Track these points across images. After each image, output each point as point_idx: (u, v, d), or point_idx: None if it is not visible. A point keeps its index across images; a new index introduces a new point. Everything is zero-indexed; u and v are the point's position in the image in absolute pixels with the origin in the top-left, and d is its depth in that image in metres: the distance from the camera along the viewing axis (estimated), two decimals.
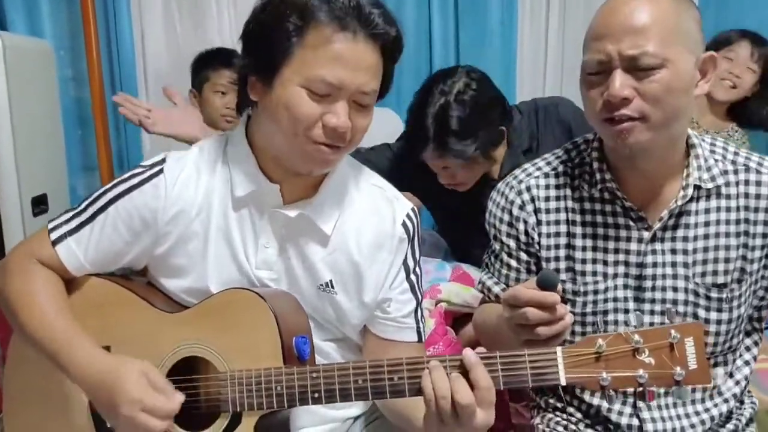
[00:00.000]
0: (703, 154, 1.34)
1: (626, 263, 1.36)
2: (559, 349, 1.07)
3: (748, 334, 1.44)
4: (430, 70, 2.79)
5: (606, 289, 1.37)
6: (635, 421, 1.39)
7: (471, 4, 2.81)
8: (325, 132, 1.20)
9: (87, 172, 2.72)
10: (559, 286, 1.15)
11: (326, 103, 1.19)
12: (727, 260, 1.33)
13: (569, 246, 1.39)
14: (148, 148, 2.79)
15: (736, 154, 1.37)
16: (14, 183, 2.19)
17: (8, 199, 2.18)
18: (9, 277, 1.32)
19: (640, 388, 1.04)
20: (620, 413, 1.40)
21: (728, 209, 1.34)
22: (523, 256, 1.43)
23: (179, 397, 1.18)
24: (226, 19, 2.80)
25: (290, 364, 1.20)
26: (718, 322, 1.35)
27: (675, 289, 1.35)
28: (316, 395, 1.16)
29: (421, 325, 1.40)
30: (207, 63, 2.54)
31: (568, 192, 1.40)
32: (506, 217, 1.44)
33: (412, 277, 1.38)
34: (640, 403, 1.38)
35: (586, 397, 1.43)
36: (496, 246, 1.47)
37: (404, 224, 1.35)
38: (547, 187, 1.42)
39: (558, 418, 1.48)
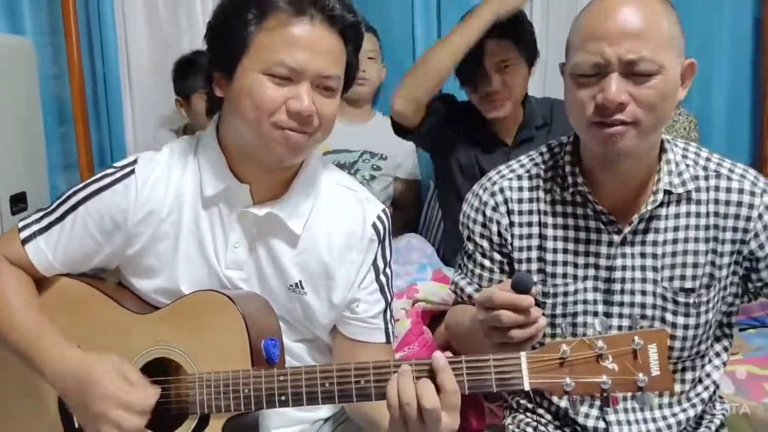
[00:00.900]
0: (675, 159, 1.33)
1: (596, 266, 1.35)
2: (523, 355, 1.06)
3: (717, 339, 1.43)
4: (414, 59, 2.76)
5: (576, 291, 1.37)
6: (602, 424, 1.38)
7: (453, 2, 2.80)
8: (289, 116, 1.20)
9: (67, 170, 2.67)
10: (534, 290, 1.14)
11: (288, 87, 1.19)
12: (695, 265, 1.33)
13: (541, 248, 1.39)
14: (131, 146, 2.76)
15: (708, 159, 1.35)
16: None
17: None
18: None
19: (604, 394, 1.03)
20: (587, 416, 1.39)
21: (698, 215, 1.33)
22: (497, 256, 1.43)
23: (155, 391, 1.17)
24: (211, 12, 2.76)
25: (259, 367, 1.18)
26: (686, 326, 1.34)
27: (644, 293, 1.34)
28: (283, 398, 1.15)
29: (389, 326, 1.39)
30: (190, 70, 2.49)
31: (541, 194, 1.39)
32: (480, 218, 1.43)
33: (382, 277, 1.38)
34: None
35: (555, 399, 1.42)
36: (470, 246, 1.46)
37: (374, 225, 1.35)
38: (521, 189, 1.41)
39: (528, 419, 1.47)
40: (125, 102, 2.70)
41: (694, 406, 1.40)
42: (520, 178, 1.42)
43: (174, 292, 1.29)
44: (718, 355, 1.43)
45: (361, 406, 1.26)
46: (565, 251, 1.37)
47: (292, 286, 1.32)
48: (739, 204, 1.31)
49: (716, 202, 1.32)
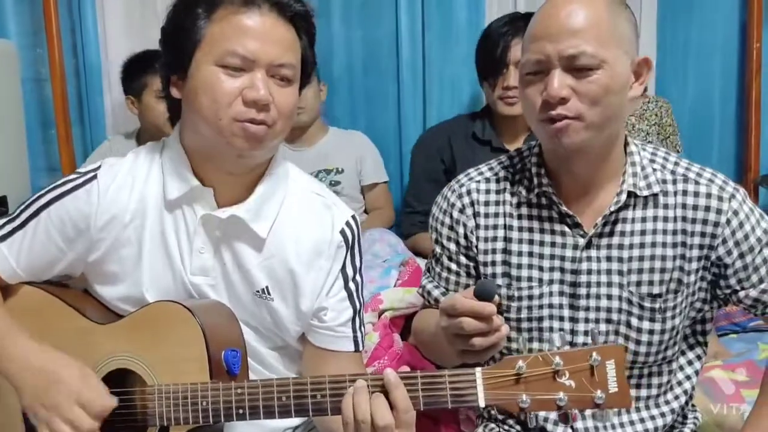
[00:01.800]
0: (641, 162, 1.31)
1: (561, 269, 1.33)
2: (478, 371, 1.03)
3: (691, 347, 1.40)
4: (398, 69, 2.77)
5: (541, 295, 1.34)
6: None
7: (437, 4, 2.78)
8: (246, 106, 1.18)
9: (50, 173, 2.66)
10: (497, 297, 1.12)
11: (243, 78, 1.19)
12: (663, 270, 1.30)
13: (506, 251, 1.36)
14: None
15: (676, 164, 1.33)
16: None
17: None
18: None
19: (561, 411, 1.00)
20: (556, 423, 1.36)
21: (666, 219, 1.30)
22: (463, 259, 1.40)
23: (113, 400, 1.16)
24: None
25: (218, 379, 1.16)
26: (651, 332, 1.31)
27: (609, 297, 1.31)
28: (241, 411, 1.13)
29: (358, 334, 1.37)
30: (140, 68, 2.46)
31: (507, 197, 1.37)
32: (447, 221, 1.41)
33: (351, 285, 1.35)
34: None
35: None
36: (438, 249, 1.44)
37: (342, 231, 1.32)
38: (488, 191, 1.39)
39: (499, 429, 1.44)
40: (107, 104, 2.67)
41: (663, 415, 1.37)
42: (488, 180, 1.40)
43: (138, 299, 1.27)
44: (690, 363, 1.40)
45: (326, 419, 1.25)
46: (530, 254, 1.35)
47: (258, 291, 1.29)
48: (707, 209, 1.28)
49: (684, 206, 1.29)
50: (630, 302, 1.31)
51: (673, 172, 1.31)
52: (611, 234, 1.31)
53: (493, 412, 1.46)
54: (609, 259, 1.31)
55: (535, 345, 1.34)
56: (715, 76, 2.94)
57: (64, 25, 2.58)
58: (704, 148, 2.95)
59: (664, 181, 1.31)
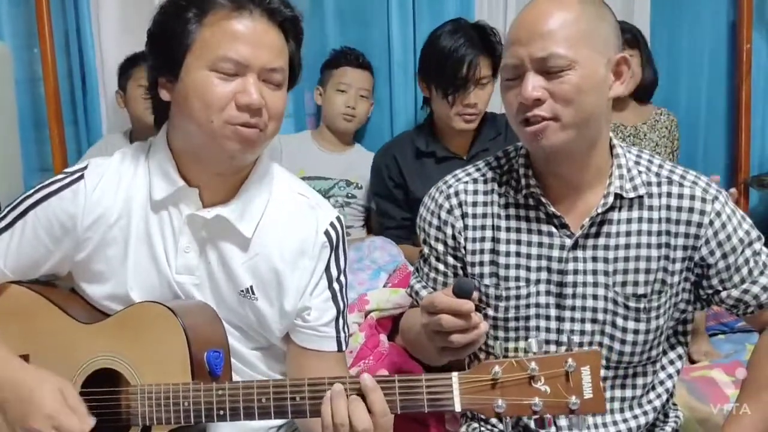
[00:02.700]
0: (627, 164, 1.31)
1: (548, 269, 1.33)
2: (455, 375, 1.03)
3: (672, 347, 1.40)
4: (390, 71, 2.76)
5: (528, 295, 1.34)
6: (553, 430, 1.34)
7: (428, 6, 2.76)
8: (239, 110, 1.18)
9: (43, 174, 2.63)
10: (475, 294, 1.13)
11: (235, 82, 1.19)
12: (647, 271, 1.30)
13: (494, 251, 1.36)
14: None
15: (660, 166, 1.33)
16: None
17: None
18: None
19: (536, 416, 1.00)
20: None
21: (650, 220, 1.30)
22: (450, 260, 1.40)
23: (90, 421, 1.15)
24: None
25: (201, 379, 1.16)
26: (636, 331, 1.31)
27: (595, 297, 1.31)
28: (221, 412, 1.13)
29: (342, 335, 1.36)
30: (129, 64, 2.53)
31: (495, 198, 1.37)
32: (435, 221, 1.41)
33: (335, 285, 1.35)
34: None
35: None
36: (426, 250, 1.44)
37: (327, 232, 1.32)
38: (476, 192, 1.39)
39: (483, 428, 1.44)
40: (101, 105, 2.66)
41: (645, 413, 1.37)
42: (475, 181, 1.40)
43: (124, 297, 1.27)
44: (672, 362, 1.40)
45: (307, 420, 1.25)
46: (518, 254, 1.34)
47: (243, 291, 1.29)
48: (691, 210, 1.29)
49: (668, 208, 1.30)
50: (615, 302, 1.31)
51: (657, 175, 1.32)
52: (597, 235, 1.31)
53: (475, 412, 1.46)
54: (595, 259, 1.31)
55: (522, 344, 1.35)
56: (705, 77, 2.94)
57: (57, 25, 2.56)
58: (694, 149, 2.95)
59: (649, 183, 1.31)
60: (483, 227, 1.37)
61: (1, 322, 1.28)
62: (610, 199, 1.29)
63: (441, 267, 1.41)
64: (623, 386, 1.35)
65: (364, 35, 2.79)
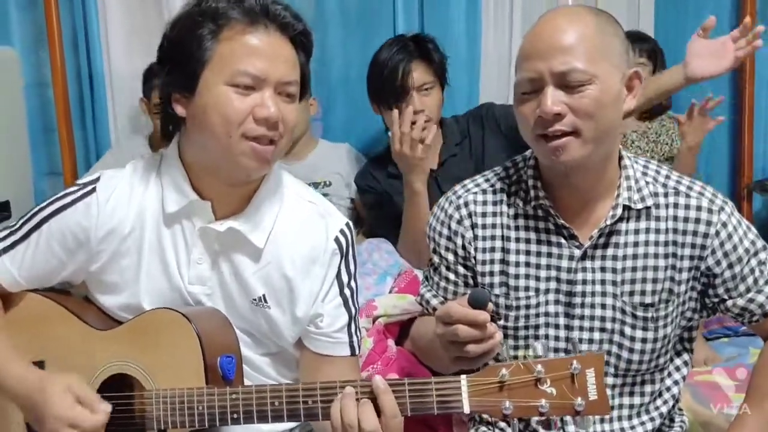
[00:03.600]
0: (635, 176, 1.33)
1: (558, 279, 1.34)
2: (463, 378, 1.05)
3: (678, 354, 1.42)
4: None
5: (538, 305, 1.36)
6: None
7: (435, 14, 2.77)
8: (257, 123, 1.20)
9: (53, 177, 2.65)
10: (490, 305, 1.13)
11: (253, 96, 1.20)
12: (655, 281, 1.32)
13: (503, 261, 1.38)
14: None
15: (667, 177, 1.35)
16: None
17: None
18: None
19: (543, 417, 1.02)
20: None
21: (657, 231, 1.32)
22: (461, 269, 1.42)
23: (106, 408, 1.16)
24: None
25: (214, 384, 1.18)
26: (644, 340, 1.33)
27: (603, 306, 1.33)
28: (235, 416, 1.15)
29: (354, 339, 1.38)
30: (153, 73, 2.45)
31: (504, 208, 1.39)
32: (445, 231, 1.42)
33: (346, 291, 1.37)
34: (567, 417, 1.37)
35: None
36: (435, 259, 1.45)
37: (337, 239, 1.34)
38: (485, 203, 1.41)
39: None
40: (109, 108, 2.67)
41: (652, 419, 1.39)
42: (484, 192, 1.41)
43: (137, 308, 1.29)
44: (678, 369, 1.42)
45: (323, 423, 1.27)
46: (528, 264, 1.36)
47: (255, 300, 1.31)
48: (697, 221, 1.31)
49: (675, 218, 1.31)
50: (623, 312, 1.33)
51: (664, 185, 1.34)
52: (606, 246, 1.32)
53: (484, 415, 1.49)
54: (603, 270, 1.33)
55: (531, 353, 1.37)
56: (708, 81, 2.94)
57: (65, 29, 2.57)
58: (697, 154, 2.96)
59: (656, 194, 1.33)
60: (492, 237, 1.39)
61: (18, 329, 1.30)
62: (619, 211, 1.30)
63: (451, 276, 1.43)
64: (631, 394, 1.37)
65: (369, 44, 2.75)
